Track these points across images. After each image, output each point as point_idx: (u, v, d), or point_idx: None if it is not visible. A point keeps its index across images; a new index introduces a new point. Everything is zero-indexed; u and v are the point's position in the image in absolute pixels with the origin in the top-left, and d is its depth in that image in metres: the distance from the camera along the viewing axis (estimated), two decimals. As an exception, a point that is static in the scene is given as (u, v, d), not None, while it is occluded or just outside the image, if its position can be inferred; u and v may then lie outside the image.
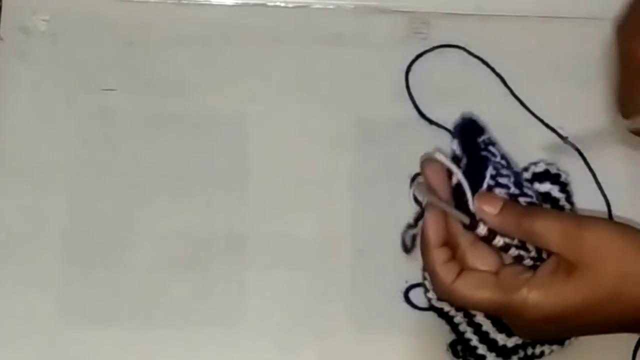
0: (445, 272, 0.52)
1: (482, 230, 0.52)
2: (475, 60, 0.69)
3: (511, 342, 0.59)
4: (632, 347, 0.62)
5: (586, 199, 0.66)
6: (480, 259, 0.53)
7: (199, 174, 0.66)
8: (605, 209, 0.66)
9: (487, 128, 0.58)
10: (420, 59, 0.69)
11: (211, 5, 0.70)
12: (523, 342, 0.59)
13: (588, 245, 0.49)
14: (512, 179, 0.55)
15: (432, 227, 0.53)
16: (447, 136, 0.67)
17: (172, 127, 0.67)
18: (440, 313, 0.60)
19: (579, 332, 0.55)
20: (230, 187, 0.66)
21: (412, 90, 0.68)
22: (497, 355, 0.60)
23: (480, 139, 0.57)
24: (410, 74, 0.68)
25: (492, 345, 0.59)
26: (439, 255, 0.52)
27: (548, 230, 0.50)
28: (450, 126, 0.66)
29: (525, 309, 0.50)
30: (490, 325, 0.59)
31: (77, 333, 0.63)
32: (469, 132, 0.56)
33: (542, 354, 0.60)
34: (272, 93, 0.68)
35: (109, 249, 0.64)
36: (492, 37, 0.69)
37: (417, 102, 0.68)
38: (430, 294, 0.58)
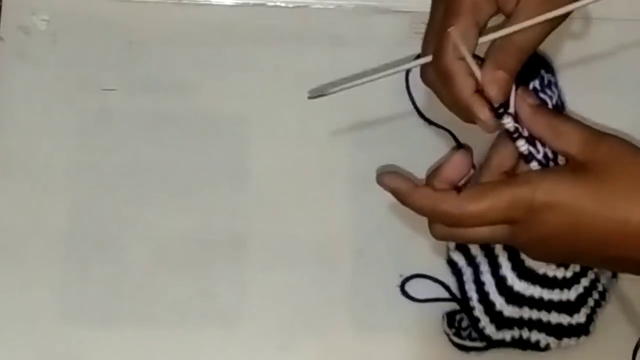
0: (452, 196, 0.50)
1: (510, 123, 0.51)
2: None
3: (508, 310, 0.59)
4: (632, 347, 0.63)
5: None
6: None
7: (198, 174, 0.66)
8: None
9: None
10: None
11: (211, 5, 0.70)
12: (520, 317, 0.60)
13: (603, 151, 0.50)
14: (553, 101, 0.55)
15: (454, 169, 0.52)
16: (447, 136, 0.67)
17: (172, 127, 0.67)
18: (454, 269, 0.61)
19: (587, 246, 0.51)
20: (230, 187, 0.66)
21: (412, 90, 0.68)
22: (492, 321, 0.60)
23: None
24: (411, 74, 0.68)
25: (489, 308, 0.60)
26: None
27: (573, 132, 0.50)
28: (450, 126, 0.67)
29: (535, 203, 0.48)
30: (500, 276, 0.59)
31: (77, 333, 0.63)
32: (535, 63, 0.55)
33: (537, 343, 0.61)
34: (272, 93, 0.68)
35: (109, 249, 0.64)
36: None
37: (417, 102, 0.68)
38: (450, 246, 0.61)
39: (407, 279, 0.64)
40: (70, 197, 0.65)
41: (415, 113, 0.68)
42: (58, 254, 0.64)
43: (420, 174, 0.63)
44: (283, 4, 0.70)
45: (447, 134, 0.67)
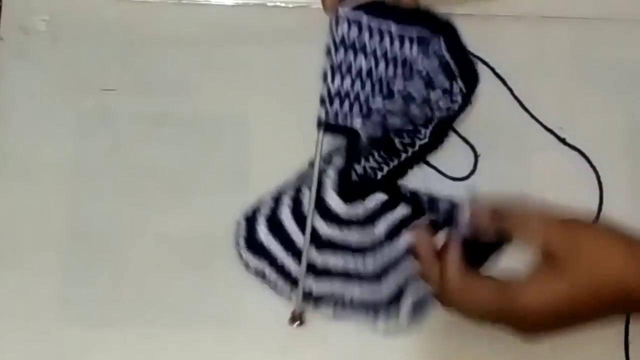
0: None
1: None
2: (475, 60, 0.69)
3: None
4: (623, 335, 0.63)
5: (586, 199, 0.66)
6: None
7: (198, 174, 0.66)
8: (603, 209, 0.66)
9: None
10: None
11: (211, 5, 0.70)
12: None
13: (569, 237, 0.50)
14: None
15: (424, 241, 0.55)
16: (452, 136, 0.67)
17: (172, 127, 0.67)
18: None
19: (579, 321, 0.53)
20: (230, 187, 0.66)
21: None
22: None
23: None
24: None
25: None
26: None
27: (529, 224, 0.52)
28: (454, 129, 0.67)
29: (519, 307, 0.50)
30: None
31: (77, 333, 0.63)
32: None
33: None
34: (272, 93, 0.68)
35: (109, 249, 0.64)
36: (492, 37, 0.69)
37: None
38: None
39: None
40: (70, 197, 0.65)
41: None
42: (58, 254, 0.64)
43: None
44: (283, 4, 0.70)
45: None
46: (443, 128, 0.66)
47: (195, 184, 0.66)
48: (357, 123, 0.62)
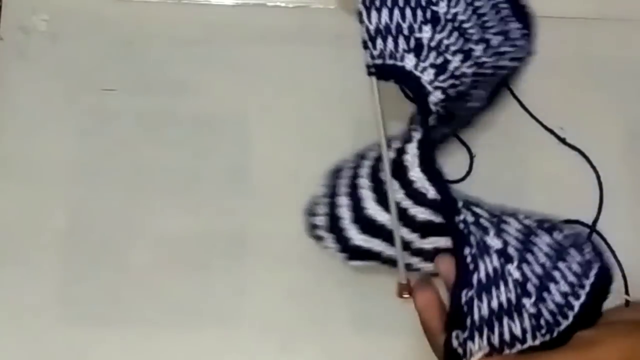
0: None
1: None
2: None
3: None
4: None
5: (586, 199, 0.66)
6: None
7: (199, 174, 0.66)
8: (603, 209, 0.66)
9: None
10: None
11: (211, 5, 0.70)
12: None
13: None
14: None
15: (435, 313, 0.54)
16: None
17: (172, 127, 0.67)
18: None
19: None
20: (230, 187, 0.66)
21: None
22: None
23: None
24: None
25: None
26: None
27: None
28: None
29: None
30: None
31: (77, 333, 0.63)
32: None
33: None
34: (272, 93, 0.68)
35: (108, 249, 0.64)
36: (492, 37, 0.69)
37: None
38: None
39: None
40: (70, 197, 0.65)
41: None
42: (58, 254, 0.64)
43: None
44: (283, 4, 0.70)
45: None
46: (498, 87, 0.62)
47: (195, 184, 0.66)
48: (409, 60, 0.56)
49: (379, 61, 0.56)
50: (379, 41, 0.55)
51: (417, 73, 0.56)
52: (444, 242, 0.57)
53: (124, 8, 0.69)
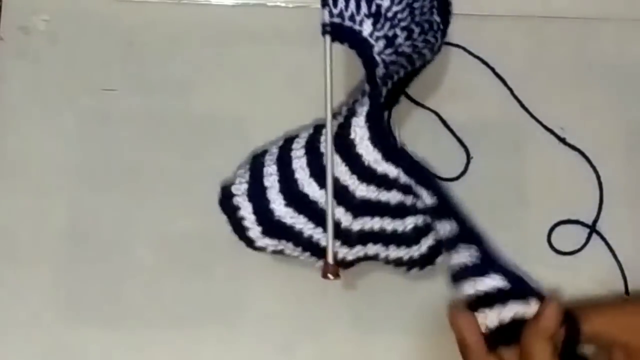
0: None
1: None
2: (475, 60, 0.69)
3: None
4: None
5: (586, 199, 0.66)
6: None
7: (199, 174, 0.66)
8: (603, 209, 0.66)
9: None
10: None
11: (211, 5, 0.70)
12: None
13: None
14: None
15: (550, 319, 0.53)
16: (433, 117, 0.67)
17: (172, 127, 0.67)
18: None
19: None
20: (230, 187, 0.66)
21: (410, 90, 0.68)
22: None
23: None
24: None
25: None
26: (547, 349, 0.52)
27: (608, 327, 0.51)
28: (436, 108, 0.67)
29: None
30: None
31: (77, 333, 0.63)
32: None
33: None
34: (272, 93, 0.68)
35: (109, 249, 0.64)
36: (492, 37, 0.69)
37: (418, 101, 0.68)
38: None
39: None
40: (70, 197, 0.65)
41: (415, 113, 0.68)
42: (58, 254, 0.64)
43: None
44: (283, 4, 0.70)
45: (432, 114, 0.67)
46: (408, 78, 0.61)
47: (195, 183, 0.66)
48: (367, 26, 0.55)
49: (337, 20, 0.54)
50: (340, 1, 0.54)
51: (372, 41, 0.55)
52: (377, 223, 0.55)
53: (124, 8, 0.69)
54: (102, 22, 0.69)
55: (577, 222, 0.65)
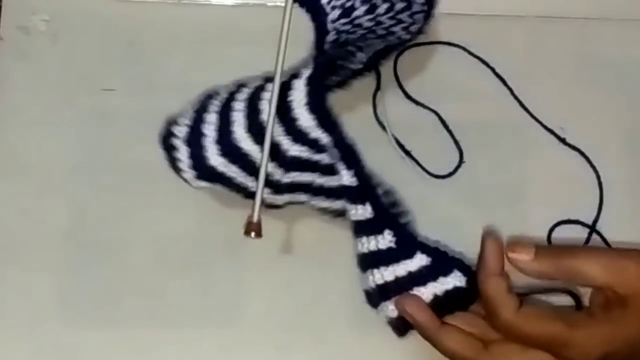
0: (508, 301, 0.51)
1: None
2: (475, 60, 0.69)
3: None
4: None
5: (586, 199, 0.66)
6: None
7: (199, 174, 0.66)
8: (603, 209, 0.66)
9: None
10: (419, 59, 0.69)
11: (211, 5, 0.70)
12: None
13: (636, 275, 0.49)
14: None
15: (493, 256, 0.52)
16: (433, 116, 0.67)
17: (172, 127, 0.67)
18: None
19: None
20: (230, 187, 0.66)
21: (410, 90, 0.68)
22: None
23: None
24: (410, 74, 0.68)
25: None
26: (501, 284, 0.52)
27: (590, 265, 0.50)
28: (435, 107, 0.67)
29: (586, 346, 0.49)
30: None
31: (77, 333, 0.63)
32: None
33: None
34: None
35: (108, 249, 0.64)
36: (492, 37, 0.69)
37: (404, 85, 0.68)
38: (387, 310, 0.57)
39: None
40: (70, 197, 0.65)
41: (415, 112, 0.68)
42: (58, 254, 0.64)
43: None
44: (283, 4, 0.70)
45: (432, 114, 0.67)
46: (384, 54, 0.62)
47: (195, 184, 0.66)
48: None
49: None
50: None
51: (327, 9, 0.55)
52: (307, 177, 0.57)
53: (124, 8, 0.69)
54: (102, 22, 0.69)
55: (577, 222, 0.65)
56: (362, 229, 0.55)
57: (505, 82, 0.68)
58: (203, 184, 0.58)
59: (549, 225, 0.65)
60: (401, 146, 0.66)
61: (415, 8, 0.59)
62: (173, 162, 0.58)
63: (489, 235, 0.53)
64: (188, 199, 0.65)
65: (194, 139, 0.57)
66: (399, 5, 0.58)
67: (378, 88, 0.67)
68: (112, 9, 0.69)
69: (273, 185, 0.57)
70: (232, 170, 0.57)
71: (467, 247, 0.56)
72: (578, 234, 0.65)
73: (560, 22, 0.70)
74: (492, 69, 0.69)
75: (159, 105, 0.67)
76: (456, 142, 0.67)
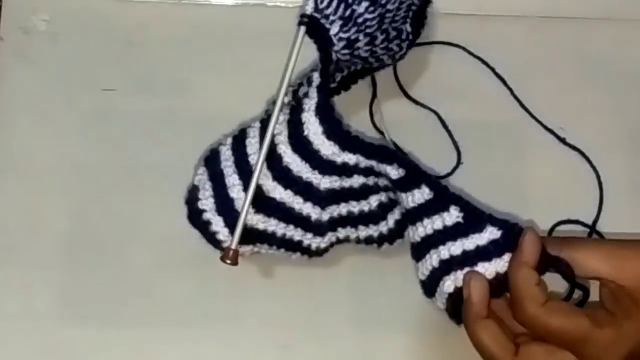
0: (536, 293, 0.51)
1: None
2: (475, 60, 0.69)
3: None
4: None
5: (586, 199, 0.66)
6: None
7: (199, 174, 0.66)
8: (603, 209, 0.66)
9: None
10: (419, 59, 0.69)
11: (211, 5, 0.70)
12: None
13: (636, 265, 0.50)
14: None
15: (531, 248, 0.52)
16: (432, 116, 0.67)
17: (172, 127, 0.67)
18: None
19: None
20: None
21: (410, 90, 0.68)
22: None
23: None
24: (410, 74, 0.68)
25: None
26: (532, 276, 0.51)
27: (590, 256, 0.51)
28: (435, 107, 0.67)
29: (609, 344, 0.50)
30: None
31: (77, 333, 0.63)
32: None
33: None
34: (271, 93, 0.68)
35: (109, 249, 0.64)
36: (492, 37, 0.69)
37: (403, 84, 0.68)
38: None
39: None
40: (70, 197, 0.65)
41: (415, 112, 0.68)
42: (58, 254, 0.64)
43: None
44: (283, 4, 0.70)
45: (432, 113, 0.67)
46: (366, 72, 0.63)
47: (195, 184, 0.66)
48: (335, 27, 0.56)
49: (317, 15, 0.56)
50: (334, 2, 0.55)
51: (334, 40, 0.56)
52: (344, 208, 0.58)
53: (124, 8, 0.69)
54: (102, 22, 0.69)
55: (577, 222, 0.66)
56: (423, 211, 0.55)
57: (505, 82, 0.68)
58: (245, 248, 0.58)
59: (549, 225, 0.65)
60: (400, 150, 0.66)
61: (404, 36, 0.60)
62: (210, 237, 0.58)
63: (530, 228, 0.53)
64: (188, 199, 0.65)
65: (224, 207, 0.57)
66: (392, 34, 0.59)
67: (374, 96, 0.67)
68: (112, 9, 0.69)
69: (316, 227, 0.58)
70: (271, 225, 0.57)
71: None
72: (578, 234, 0.65)
73: (560, 22, 0.70)
74: (492, 69, 0.69)
75: (159, 105, 0.67)
76: (454, 143, 0.67)
